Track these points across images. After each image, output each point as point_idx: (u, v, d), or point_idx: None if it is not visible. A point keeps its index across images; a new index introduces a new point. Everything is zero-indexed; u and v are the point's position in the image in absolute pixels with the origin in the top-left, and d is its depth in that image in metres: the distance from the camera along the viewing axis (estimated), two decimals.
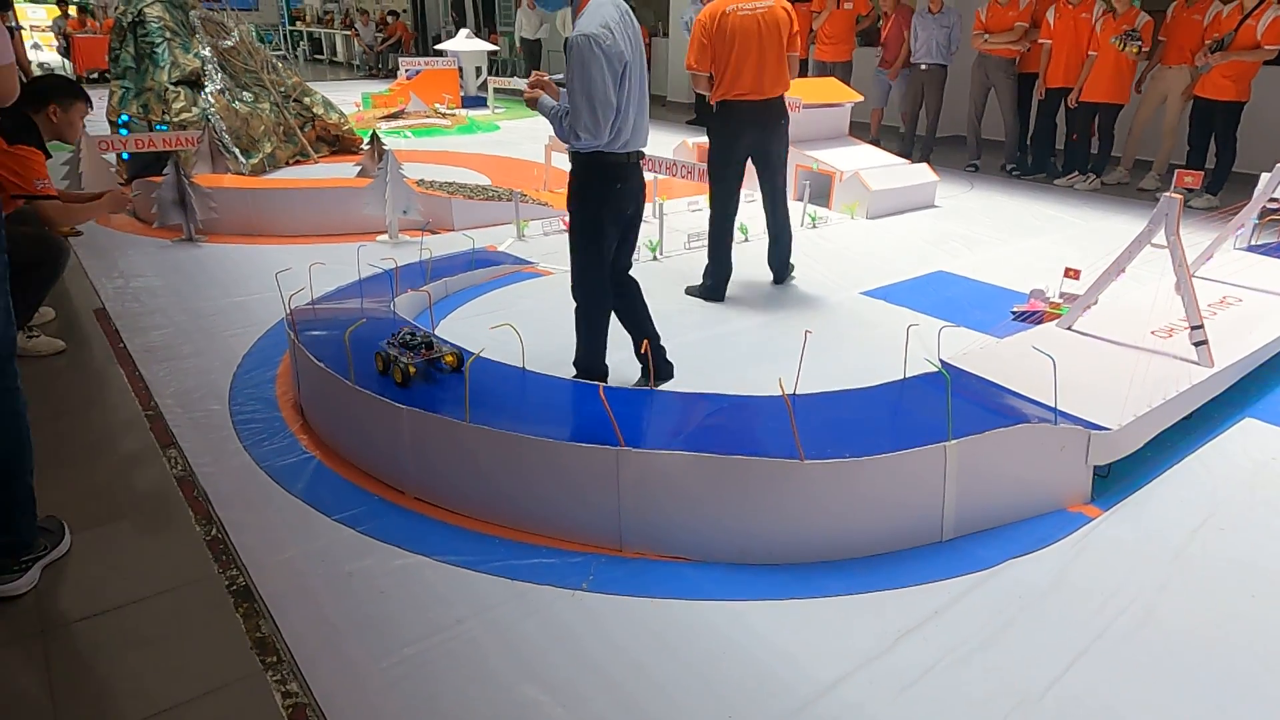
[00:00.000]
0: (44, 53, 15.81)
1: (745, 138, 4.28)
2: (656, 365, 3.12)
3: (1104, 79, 6.81)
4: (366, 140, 6.35)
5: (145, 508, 2.54)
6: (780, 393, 2.30)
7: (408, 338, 2.72)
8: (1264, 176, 4.58)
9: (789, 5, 4.16)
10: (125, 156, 6.27)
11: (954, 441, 2.30)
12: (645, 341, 2.94)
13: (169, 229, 5.23)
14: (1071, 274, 3.98)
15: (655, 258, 4.97)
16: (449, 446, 2.43)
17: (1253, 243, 4.65)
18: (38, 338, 3.55)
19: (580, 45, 2.54)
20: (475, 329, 3.73)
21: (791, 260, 4.63)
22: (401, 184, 5.18)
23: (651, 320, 3.24)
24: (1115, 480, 2.66)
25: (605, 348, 3.10)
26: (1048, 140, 7.53)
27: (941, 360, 2.92)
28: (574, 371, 3.13)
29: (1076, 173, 7.23)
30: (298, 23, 20.83)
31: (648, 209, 5.79)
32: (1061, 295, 4.07)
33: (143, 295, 4.29)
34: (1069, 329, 3.34)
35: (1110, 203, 6.61)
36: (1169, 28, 6.66)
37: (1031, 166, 7.60)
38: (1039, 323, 3.89)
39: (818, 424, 2.44)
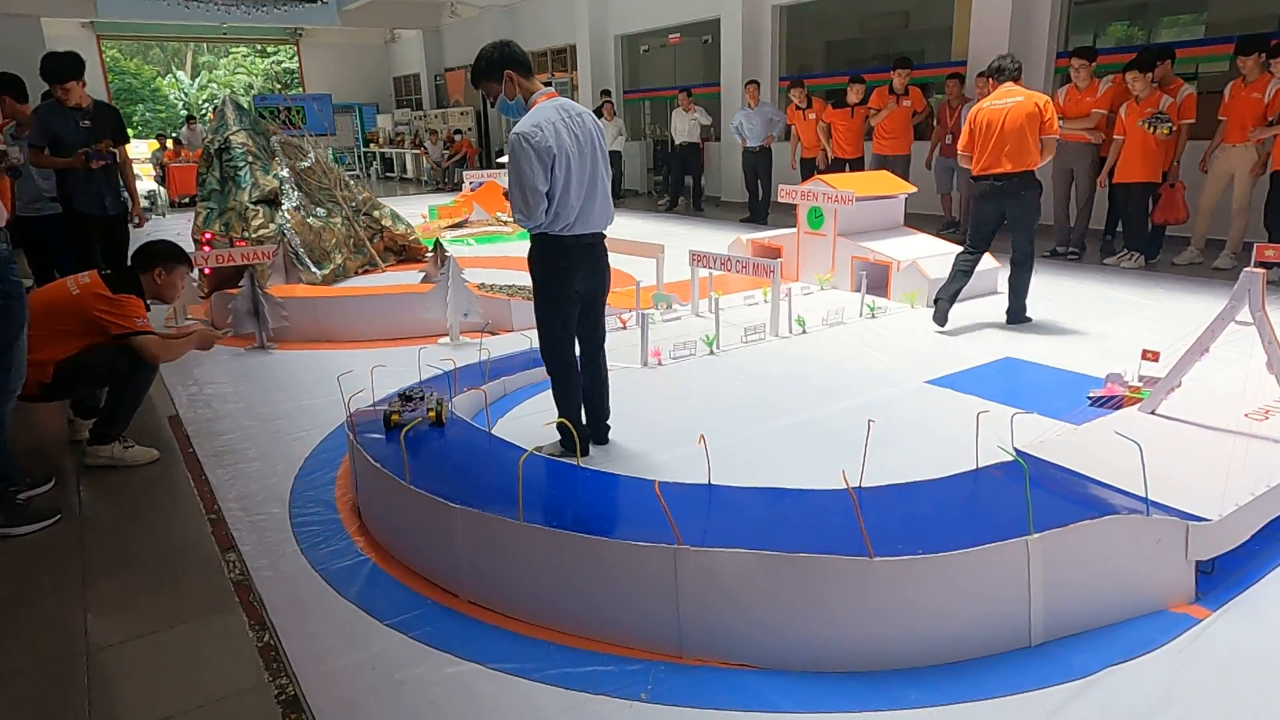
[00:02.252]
0: (145, 182, 17.13)
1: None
2: (582, 437, 3.38)
3: (1134, 161, 6.75)
4: (431, 249, 6.58)
5: (202, 613, 2.52)
6: (845, 485, 2.19)
7: (410, 393, 3.22)
8: None
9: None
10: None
11: (1036, 535, 2.14)
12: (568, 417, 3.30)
13: (242, 338, 5.45)
14: (1150, 356, 3.81)
15: (711, 351, 4.94)
16: (502, 547, 2.37)
17: None
18: (133, 448, 3.66)
19: (512, 142, 2.97)
20: (530, 426, 3.72)
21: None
22: (462, 287, 5.32)
23: (608, 402, 3.59)
24: (1222, 577, 2.43)
25: (579, 409, 3.44)
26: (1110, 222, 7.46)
27: (1016, 449, 2.77)
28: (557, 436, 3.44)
29: (1125, 251, 7.06)
30: (371, 144, 22.19)
31: (703, 304, 5.88)
32: (1141, 379, 3.87)
33: (214, 402, 4.43)
34: (1152, 413, 3.15)
35: (1183, 283, 6.38)
36: (1228, 106, 6.55)
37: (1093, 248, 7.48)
38: (1118, 408, 3.70)
39: (887, 519, 2.31)
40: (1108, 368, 4.20)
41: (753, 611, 2.14)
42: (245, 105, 8.04)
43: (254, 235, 6.79)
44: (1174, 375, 3.14)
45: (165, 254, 3.81)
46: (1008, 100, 5.00)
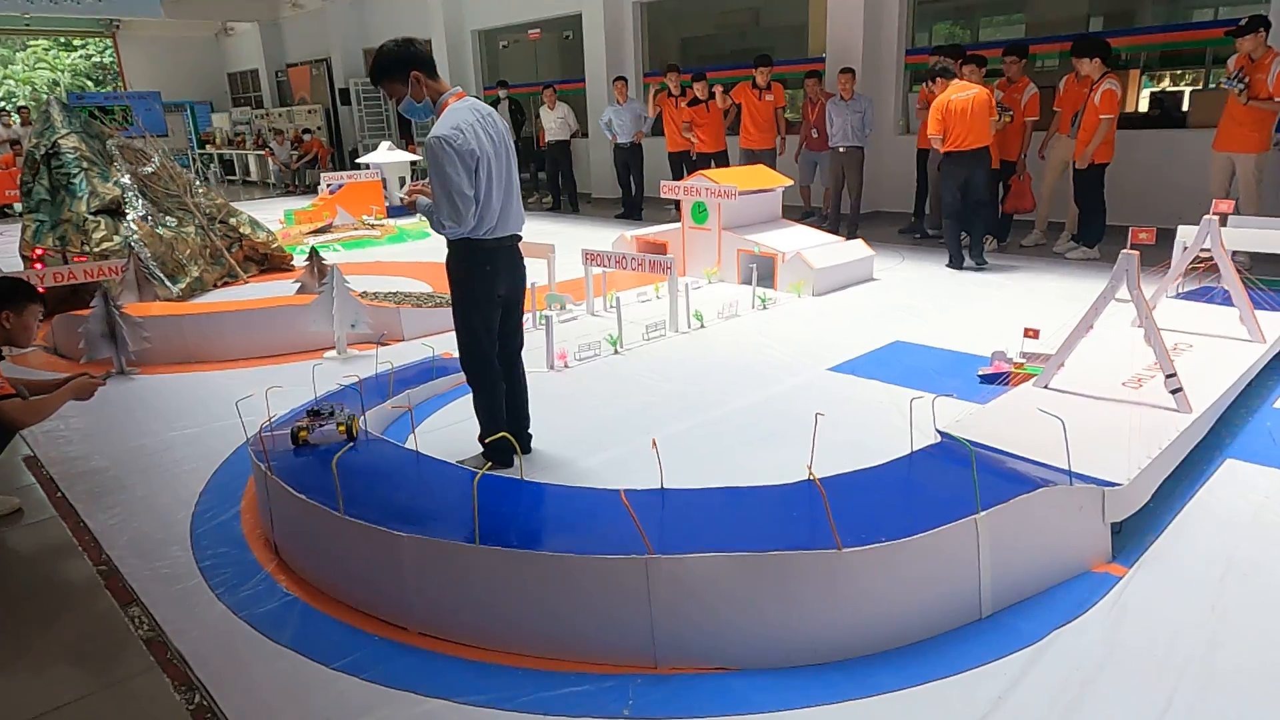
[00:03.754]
0: None
1: None
2: (501, 451, 3.25)
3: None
4: (305, 257, 6.19)
5: (116, 679, 2.24)
6: (811, 478, 2.23)
7: (319, 408, 3.07)
8: (1181, 229, 4.89)
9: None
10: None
11: (984, 513, 2.25)
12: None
13: (98, 363, 4.92)
14: (1031, 334, 4.11)
15: (616, 351, 4.91)
16: (458, 572, 2.25)
17: (1181, 291, 4.90)
18: None
19: (433, 146, 2.83)
20: (447, 439, 3.56)
21: None
22: (348, 297, 5.03)
23: (528, 409, 3.50)
24: (1128, 536, 2.65)
25: (505, 419, 3.30)
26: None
27: (938, 430, 2.91)
28: (481, 448, 3.35)
29: (990, 237, 7.61)
30: (207, 146, 20.64)
31: (598, 303, 5.84)
32: (1023, 355, 4.17)
33: (76, 437, 3.98)
34: (1046, 388, 3.39)
35: (1033, 263, 6.93)
36: (1062, 99, 7.15)
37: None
38: (1007, 384, 3.97)
39: (839, 508, 2.35)
40: (989, 346, 4.49)
41: (727, 613, 2.13)
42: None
43: (96, 249, 6.15)
44: (1063, 352, 3.39)
45: (9, 293, 3.31)
46: (966, 93, 6.43)
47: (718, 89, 9.32)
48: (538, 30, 13.87)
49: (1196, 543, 2.62)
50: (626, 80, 10.49)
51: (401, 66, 2.95)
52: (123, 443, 3.89)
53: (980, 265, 6.75)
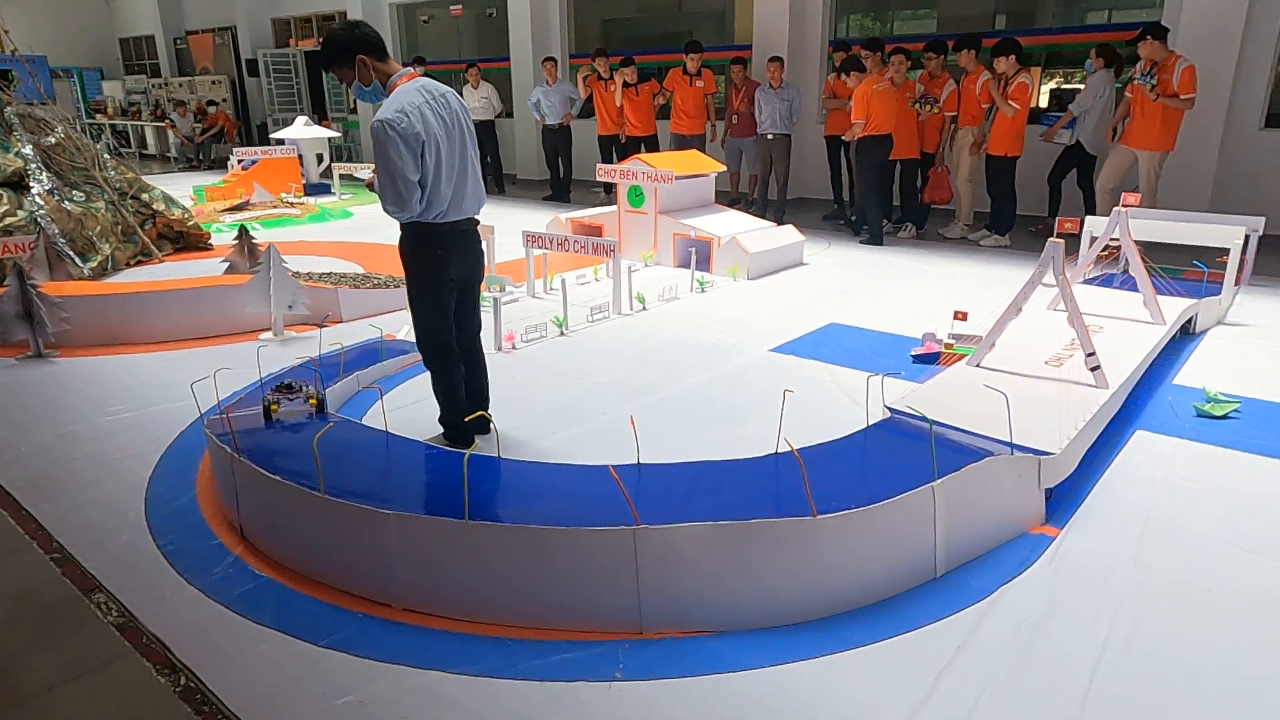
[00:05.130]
0: None
1: None
2: (462, 432, 3.31)
3: (903, 140, 7.53)
4: (234, 235, 5.97)
5: (91, 666, 2.19)
6: (790, 450, 2.36)
7: (290, 383, 3.12)
8: (1089, 220, 5.27)
9: None
10: None
11: (939, 481, 2.44)
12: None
13: (12, 346, 4.66)
14: (960, 316, 4.37)
15: (562, 333, 4.96)
16: (447, 549, 2.29)
17: (1087, 276, 5.29)
18: None
19: (376, 130, 2.81)
20: (406, 419, 3.54)
21: None
22: (285, 277, 4.90)
23: (487, 391, 3.53)
24: (1057, 501, 2.90)
25: (464, 400, 3.33)
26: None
27: (888, 406, 3.10)
28: (441, 430, 3.38)
29: (909, 224, 7.96)
30: (98, 115, 19.40)
31: (538, 285, 5.86)
32: (952, 336, 4.44)
33: (2, 422, 3.78)
34: (978, 366, 3.64)
35: (951, 251, 7.30)
36: (961, 94, 7.52)
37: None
38: (938, 363, 4.23)
39: (799, 480, 2.50)
40: (918, 327, 4.76)
41: (709, 579, 2.25)
42: None
43: None
44: (994, 333, 3.64)
45: None
46: (880, 84, 7.09)
47: (706, 71, 9.30)
48: (459, 6, 13.60)
49: (1118, 504, 2.90)
50: (556, 61, 10.44)
51: (345, 50, 2.94)
52: (53, 428, 3.72)
53: (877, 243, 7.52)
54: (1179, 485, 3.03)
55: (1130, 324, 4.24)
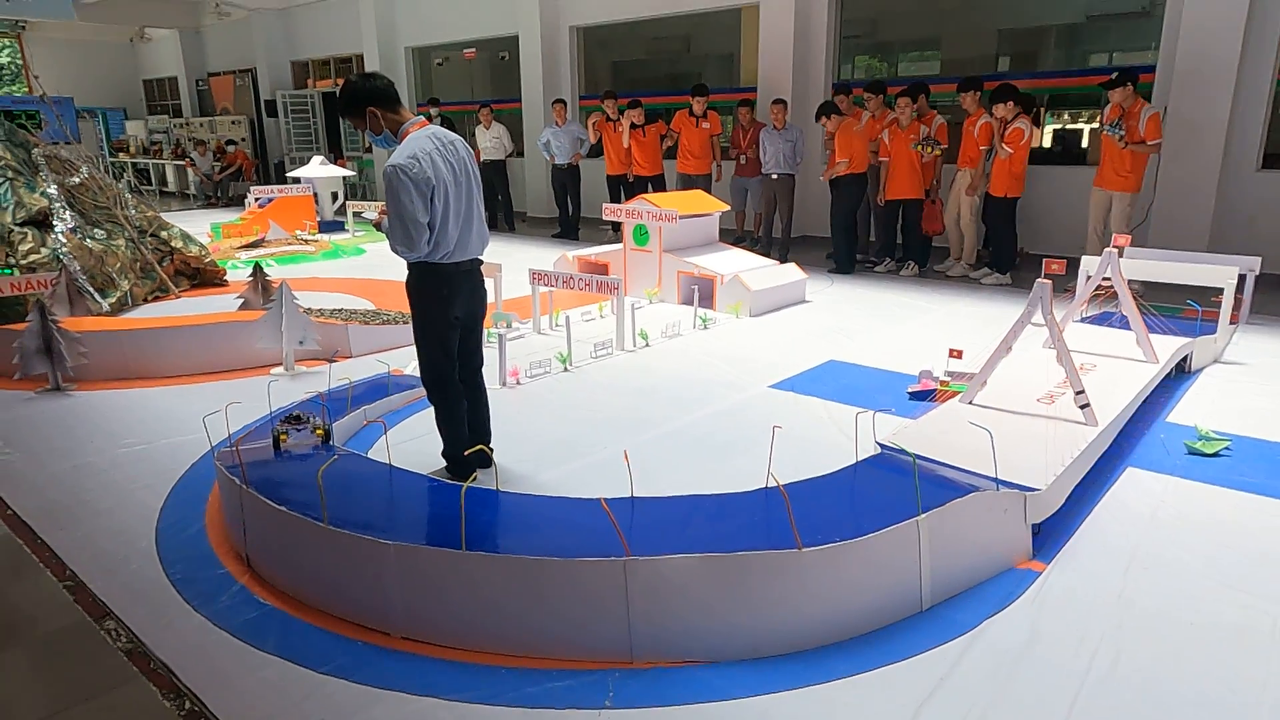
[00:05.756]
0: None
1: None
2: (464, 466, 3.39)
3: (904, 180, 7.75)
4: (249, 272, 6.14)
5: (98, 690, 2.27)
6: (776, 485, 2.43)
7: (299, 414, 3.25)
8: (1084, 259, 5.36)
9: None
10: None
11: (924, 515, 2.50)
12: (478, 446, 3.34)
13: (32, 379, 4.80)
14: (955, 354, 4.44)
15: (566, 369, 5.06)
16: (444, 578, 2.37)
17: (1084, 315, 5.36)
18: None
19: (388, 175, 2.96)
20: (409, 453, 3.64)
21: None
22: (296, 313, 5.04)
23: (489, 425, 3.61)
24: (1045, 536, 2.95)
25: (466, 435, 3.42)
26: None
27: (879, 442, 3.17)
28: (444, 463, 3.48)
29: (912, 263, 8.06)
30: (120, 154, 19.88)
31: (544, 321, 5.98)
32: (948, 373, 4.51)
33: (20, 454, 3.90)
34: (971, 403, 3.71)
35: (951, 289, 7.39)
36: (963, 136, 7.68)
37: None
38: (934, 400, 4.29)
39: (796, 513, 2.57)
40: (916, 365, 4.84)
41: (698, 609, 2.31)
42: None
43: (23, 262, 5.96)
44: (985, 371, 3.71)
45: None
46: (858, 125, 7.78)
47: (712, 112, 9.55)
48: (473, 50, 13.97)
49: (1104, 541, 2.94)
50: (565, 103, 10.70)
51: (357, 101, 3.10)
52: (68, 460, 3.83)
53: (846, 271, 8.12)
54: (1167, 522, 3.08)
55: (1123, 362, 4.30)
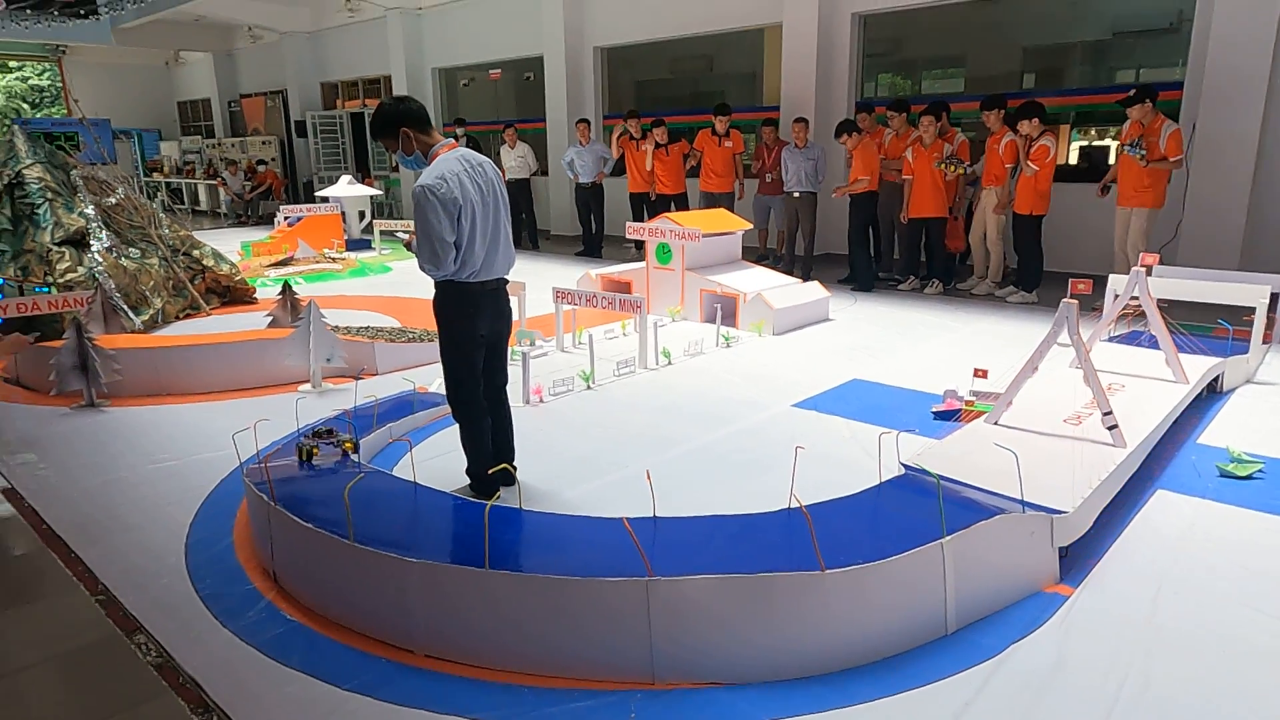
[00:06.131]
0: None
1: None
2: (488, 483, 3.43)
3: (927, 199, 7.71)
4: (279, 290, 6.24)
5: (128, 704, 2.31)
6: (799, 506, 2.43)
7: (327, 429, 3.45)
8: (1111, 278, 5.30)
9: None
10: None
11: (949, 538, 2.48)
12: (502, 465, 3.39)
13: (67, 396, 4.90)
14: (980, 373, 4.41)
15: (589, 386, 5.09)
16: (467, 596, 2.38)
17: (1112, 334, 5.30)
18: None
19: (417, 195, 3.05)
20: (435, 471, 3.67)
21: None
22: (324, 331, 5.12)
23: (512, 443, 3.63)
24: (1074, 559, 2.91)
25: (490, 451, 3.46)
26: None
27: (903, 463, 3.15)
28: (468, 480, 3.50)
29: (936, 281, 8.01)
30: (154, 173, 20.33)
31: (567, 339, 6.02)
32: (973, 393, 4.47)
33: (55, 469, 3.98)
34: (997, 424, 3.68)
35: (977, 307, 7.34)
36: (987, 154, 7.64)
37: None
38: (959, 420, 4.26)
39: (819, 534, 2.56)
40: (940, 384, 4.81)
41: (720, 631, 2.31)
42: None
43: (60, 280, 6.11)
44: (1011, 391, 3.69)
45: None
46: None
47: (735, 131, 9.60)
48: (498, 70, 14.16)
49: (1133, 565, 2.90)
50: (589, 122, 10.80)
51: (391, 123, 3.18)
52: (101, 475, 3.90)
53: (865, 289, 8.22)
54: (1198, 545, 3.03)
55: (1152, 383, 4.25)
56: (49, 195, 6.43)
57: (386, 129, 3.20)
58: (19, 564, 3.14)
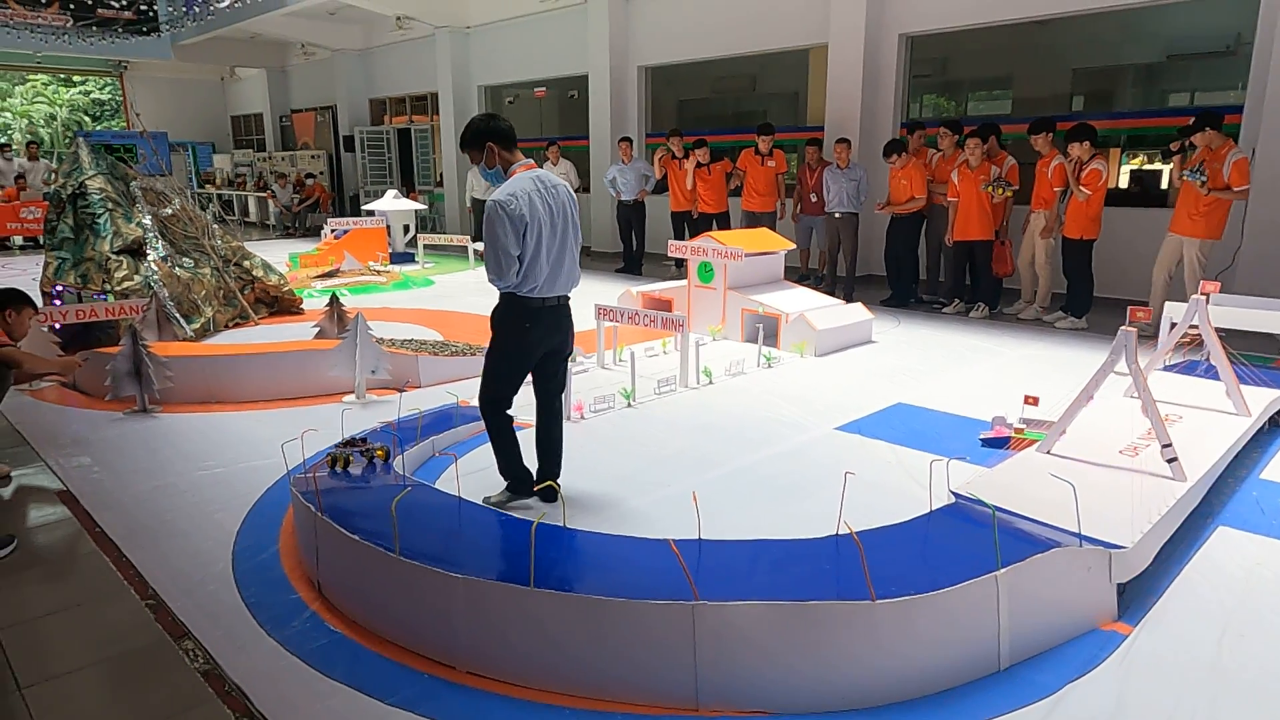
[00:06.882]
0: None
1: None
2: (522, 483, 3.57)
3: (973, 221, 7.58)
4: (327, 301, 6.34)
5: (175, 710, 2.33)
6: (850, 533, 2.38)
7: (355, 440, 3.56)
8: (1168, 306, 5.16)
9: None
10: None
11: (1003, 570, 2.41)
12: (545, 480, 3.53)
13: (121, 401, 5.02)
14: (1031, 400, 4.31)
15: (629, 404, 5.07)
16: (511, 614, 2.37)
17: (1168, 364, 5.15)
18: None
19: (489, 208, 3.19)
20: (483, 483, 3.67)
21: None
22: (370, 343, 5.18)
23: (560, 455, 3.68)
24: (1131, 596, 2.81)
25: (520, 453, 3.55)
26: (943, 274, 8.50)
27: (952, 491, 3.08)
28: (503, 482, 3.58)
29: (982, 304, 7.87)
30: (207, 185, 20.88)
31: (608, 356, 6.02)
32: (1023, 421, 4.37)
33: (108, 473, 4.06)
34: (1049, 453, 3.59)
35: (1025, 331, 7.20)
36: (1036, 177, 7.51)
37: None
38: (1008, 448, 4.16)
39: (859, 563, 2.51)
40: (987, 410, 4.70)
41: (766, 659, 2.27)
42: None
43: (118, 288, 6.28)
44: (1065, 420, 3.59)
45: (12, 297, 4.12)
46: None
47: (778, 151, 9.59)
48: (543, 88, 14.33)
49: (1196, 603, 2.79)
50: (632, 141, 10.86)
51: (479, 137, 3.33)
52: (151, 480, 3.98)
53: (901, 304, 8.41)
54: (1264, 586, 2.91)
55: (1212, 414, 4.11)
56: (109, 205, 6.62)
57: (475, 141, 3.34)
58: (73, 566, 3.20)
